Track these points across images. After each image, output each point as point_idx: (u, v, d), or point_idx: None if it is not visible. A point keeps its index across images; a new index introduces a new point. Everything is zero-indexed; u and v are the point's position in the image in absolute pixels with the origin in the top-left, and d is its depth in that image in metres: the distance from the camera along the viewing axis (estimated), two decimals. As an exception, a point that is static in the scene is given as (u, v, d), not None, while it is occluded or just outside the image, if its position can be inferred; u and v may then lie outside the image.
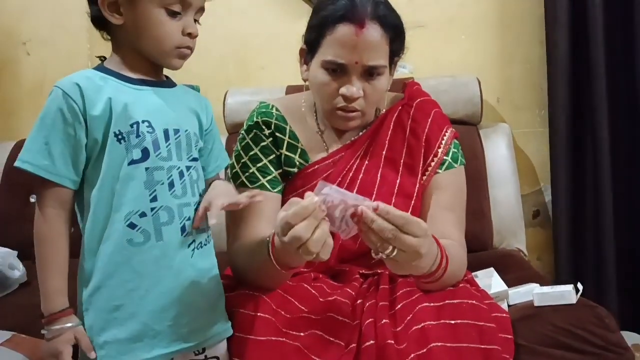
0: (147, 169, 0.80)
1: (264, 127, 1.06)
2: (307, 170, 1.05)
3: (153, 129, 0.81)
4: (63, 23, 1.83)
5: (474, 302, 0.87)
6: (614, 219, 1.54)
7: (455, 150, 1.08)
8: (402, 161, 1.04)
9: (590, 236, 1.58)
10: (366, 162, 1.03)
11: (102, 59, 0.87)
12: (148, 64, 0.85)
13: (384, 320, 0.85)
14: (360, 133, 1.07)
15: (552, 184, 1.60)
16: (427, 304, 0.87)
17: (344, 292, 0.93)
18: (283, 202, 1.04)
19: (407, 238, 0.76)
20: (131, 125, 0.80)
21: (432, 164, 1.04)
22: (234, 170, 1.06)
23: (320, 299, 0.91)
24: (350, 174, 1.02)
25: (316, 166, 1.05)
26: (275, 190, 1.04)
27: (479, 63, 1.70)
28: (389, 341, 0.81)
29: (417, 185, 1.03)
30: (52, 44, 1.85)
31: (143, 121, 0.81)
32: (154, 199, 0.80)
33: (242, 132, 1.08)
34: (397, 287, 0.95)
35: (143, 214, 0.80)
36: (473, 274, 1.06)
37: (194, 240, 0.84)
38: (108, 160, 0.79)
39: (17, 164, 0.78)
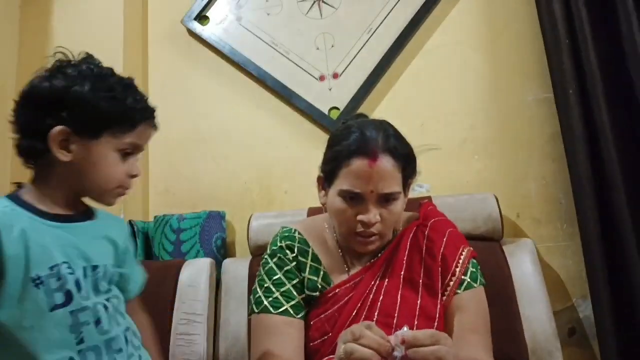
0: (71, 312, 0.76)
1: (287, 251, 1.09)
2: (328, 294, 1.06)
3: (73, 269, 0.78)
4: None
5: None
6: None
7: (474, 270, 1.07)
8: (420, 281, 1.04)
9: (637, 353, 1.48)
10: (385, 283, 1.04)
11: (20, 186, 0.83)
12: (72, 199, 0.84)
13: None
14: (379, 254, 1.08)
15: (593, 300, 1.54)
16: None
17: None
18: (305, 328, 1.04)
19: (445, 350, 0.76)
20: (51, 269, 0.75)
21: (451, 283, 1.04)
22: (256, 296, 1.06)
23: None
24: (371, 296, 1.03)
25: (337, 290, 1.06)
26: (299, 316, 1.04)
27: (495, 181, 1.75)
28: None
29: (439, 306, 1.02)
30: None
31: (63, 262, 0.77)
32: (81, 342, 0.77)
33: (266, 256, 1.11)
34: None
35: (71, 359, 0.76)
36: None
37: None
38: (24, 306, 0.73)
39: None
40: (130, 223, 1.78)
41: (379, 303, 1.02)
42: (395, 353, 0.76)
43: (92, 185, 0.83)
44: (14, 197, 0.80)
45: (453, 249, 1.06)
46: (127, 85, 0.85)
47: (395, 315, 1.00)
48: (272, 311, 1.02)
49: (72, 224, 0.82)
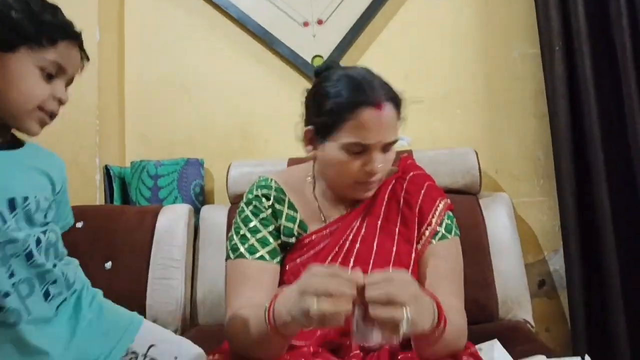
0: None
1: (263, 199, 1.09)
2: (304, 240, 1.06)
3: None
4: None
5: None
6: (621, 287, 1.52)
7: (450, 222, 1.08)
8: (397, 230, 1.05)
9: (603, 305, 1.55)
10: (362, 231, 1.05)
11: None
12: None
13: None
14: (357, 205, 1.08)
15: (565, 253, 1.59)
16: None
17: None
18: (281, 273, 1.05)
19: (408, 283, 0.76)
20: None
21: (427, 233, 1.05)
22: (232, 242, 1.06)
23: None
24: (347, 244, 1.04)
25: (313, 236, 1.06)
26: (275, 262, 1.04)
27: (476, 136, 1.75)
28: None
29: (413, 254, 1.04)
30: None
31: None
32: (12, 275, 0.74)
33: (242, 204, 1.11)
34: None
35: (7, 294, 0.73)
36: (477, 346, 1.03)
37: (64, 300, 0.81)
38: None
39: None
40: (106, 168, 1.75)
41: (355, 250, 1.03)
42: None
43: (10, 103, 0.76)
44: None
45: (430, 201, 1.07)
46: (49, 4, 0.81)
47: (371, 261, 1.01)
48: (248, 257, 1.03)
49: None
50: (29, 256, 0.76)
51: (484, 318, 1.40)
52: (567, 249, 1.59)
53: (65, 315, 0.81)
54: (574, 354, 1.09)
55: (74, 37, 0.82)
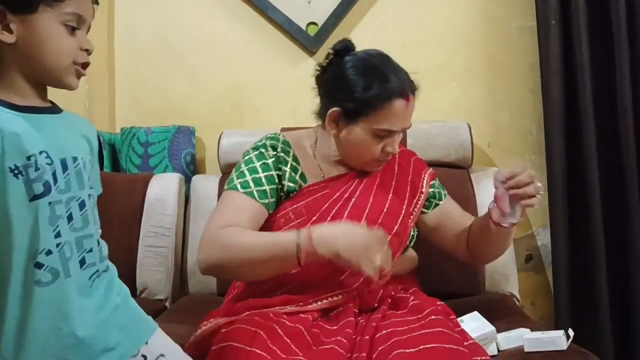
0: (49, 203, 0.75)
1: (270, 149, 1.16)
2: (303, 190, 1.14)
3: (51, 160, 0.76)
4: None
5: (452, 346, 0.87)
6: (606, 264, 1.54)
7: (439, 190, 1.26)
8: (391, 190, 1.18)
9: (587, 281, 1.57)
10: (360, 188, 1.16)
11: None
12: (35, 89, 0.80)
13: None
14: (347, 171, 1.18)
15: (552, 228, 1.61)
16: (402, 350, 0.87)
17: (338, 341, 0.94)
18: (274, 220, 1.11)
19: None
20: (28, 158, 0.74)
21: (420, 200, 1.21)
22: (229, 178, 1.13)
23: (314, 347, 0.92)
24: (346, 195, 1.13)
25: (312, 187, 1.15)
26: (262, 202, 1.10)
27: (470, 109, 1.74)
28: None
29: (404, 209, 1.17)
30: None
31: (40, 152, 0.75)
32: (58, 235, 0.75)
33: (249, 149, 1.18)
34: (380, 329, 0.95)
35: (49, 252, 0.74)
36: (458, 319, 1.05)
37: (96, 271, 0.81)
38: (6, 198, 0.72)
39: None
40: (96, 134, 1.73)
41: (352, 200, 1.13)
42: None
43: (46, 63, 0.78)
44: None
45: (417, 174, 1.24)
46: None
47: (366, 210, 1.11)
48: (239, 189, 1.09)
49: (43, 115, 0.80)
50: (69, 219, 0.77)
51: (470, 291, 1.42)
52: (554, 225, 1.61)
53: (97, 291, 0.81)
54: (556, 328, 1.11)
55: None
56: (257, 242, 1.00)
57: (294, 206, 1.12)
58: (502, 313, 1.23)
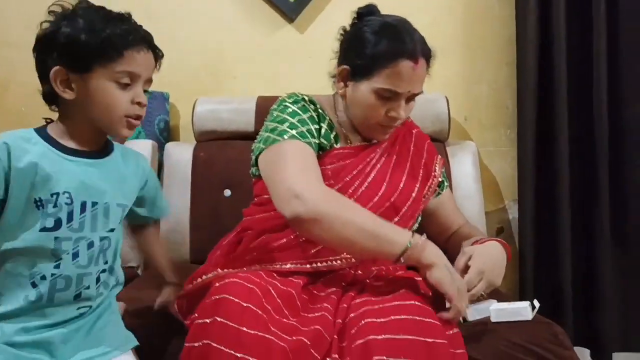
0: (56, 238, 0.84)
1: (310, 103, 1.13)
2: (333, 151, 1.12)
3: (72, 200, 0.85)
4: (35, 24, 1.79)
5: (422, 319, 0.88)
6: (571, 239, 1.58)
7: (444, 180, 1.28)
8: (406, 171, 1.18)
9: (551, 254, 1.61)
10: (380, 163, 1.15)
11: (48, 121, 0.90)
12: (92, 134, 0.90)
13: (335, 336, 0.88)
14: (375, 140, 1.17)
15: (519, 201, 1.64)
16: (372, 319, 0.88)
17: (325, 308, 0.95)
18: None
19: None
20: (52, 195, 0.83)
21: (432, 186, 1.22)
22: (275, 130, 1.06)
23: (302, 313, 0.93)
24: (367, 169, 1.13)
25: (341, 150, 1.13)
26: (313, 147, 1.06)
27: (448, 82, 1.73)
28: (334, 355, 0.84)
29: (415, 192, 1.16)
30: (22, 45, 1.81)
31: (64, 192, 0.84)
32: (57, 267, 0.84)
33: (282, 104, 1.12)
34: (355, 299, 0.97)
35: (43, 277, 0.84)
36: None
37: (90, 305, 0.89)
38: (21, 222, 0.83)
39: None
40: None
41: (371, 175, 1.12)
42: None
43: (99, 116, 0.87)
44: (39, 130, 0.88)
45: (431, 158, 1.25)
46: (110, 16, 0.89)
47: (383, 186, 1.12)
48: (300, 139, 1.04)
49: (88, 159, 0.88)
50: (75, 255, 0.86)
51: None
52: (522, 198, 1.63)
53: (86, 323, 0.89)
54: (520, 299, 1.14)
55: (139, 42, 0.88)
56: (371, 219, 0.97)
57: (323, 167, 1.08)
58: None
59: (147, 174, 1.02)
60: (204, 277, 1.00)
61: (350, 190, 1.08)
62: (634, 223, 1.61)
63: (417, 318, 0.88)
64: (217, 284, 0.90)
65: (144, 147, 1.58)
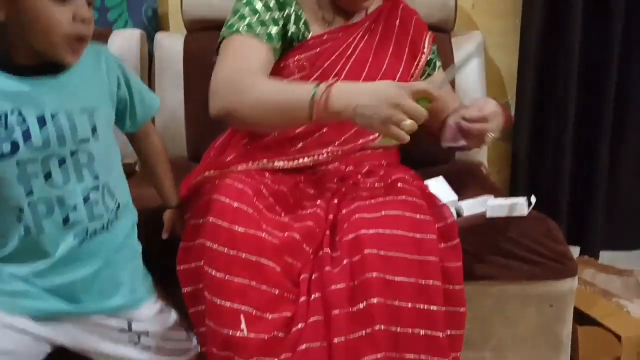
0: (17, 162, 0.76)
1: None
2: (308, 41, 1.08)
3: (24, 118, 0.75)
4: None
5: (413, 214, 0.88)
6: (572, 139, 1.55)
7: (435, 59, 1.23)
8: (390, 49, 1.13)
9: (547, 154, 1.59)
10: (361, 44, 1.11)
11: None
12: (35, 60, 0.77)
13: (327, 232, 0.90)
14: (357, 19, 1.13)
15: (517, 96, 1.58)
16: (364, 214, 0.89)
17: (318, 204, 0.95)
18: (276, 70, 1.06)
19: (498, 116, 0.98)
20: None
21: (422, 60, 1.17)
22: (227, 23, 1.05)
23: (296, 210, 0.94)
24: (348, 51, 1.09)
25: (317, 39, 1.09)
26: (269, 45, 1.03)
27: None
28: (327, 268, 0.85)
29: (399, 75, 1.12)
30: None
31: (12, 111, 0.75)
32: (30, 193, 0.77)
33: None
34: (347, 194, 0.97)
35: (21, 210, 0.77)
36: (425, 182, 1.08)
37: (86, 229, 0.82)
38: None
39: None
40: None
41: (352, 58, 1.08)
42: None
43: (38, 41, 0.74)
44: None
45: (419, 34, 1.19)
46: None
47: (366, 67, 1.08)
48: (242, 32, 1.02)
49: (32, 77, 0.77)
50: (47, 176, 0.77)
51: (440, 159, 1.44)
52: (520, 92, 1.57)
53: (92, 251, 0.84)
54: (512, 194, 1.15)
55: None
56: (273, 89, 0.94)
57: (297, 57, 1.06)
58: (468, 180, 1.26)
59: (117, 70, 0.89)
60: (198, 178, 0.99)
61: (332, 76, 1.04)
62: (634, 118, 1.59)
63: (408, 214, 0.88)
64: (209, 185, 0.90)
65: (132, 35, 1.50)
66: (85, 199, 0.81)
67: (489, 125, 0.96)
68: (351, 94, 0.85)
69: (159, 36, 1.55)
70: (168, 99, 1.49)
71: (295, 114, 0.89)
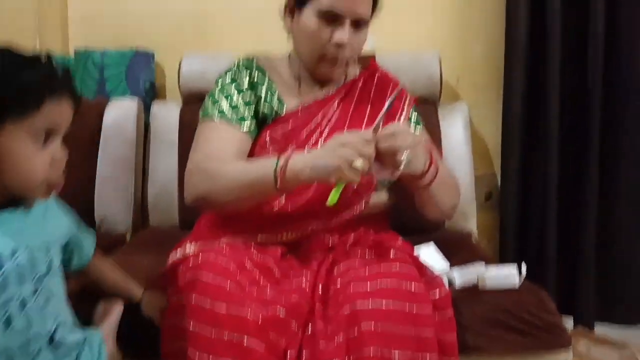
0: None
1: (244, 69, 1.13)
2: (281, 117, 1.11)
3: None
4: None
5: (410, 287, 0.88)
6: (557, 207, 1.57)
7: (417, 122, 1.22)
8: (366, 117, 1.13)
9: (535, 221, 1.61)
10: (336, 114, 1.13)
11: None
12: (3, 198, 0.73)
13: (317, 304, 0.90)
14: (331, 92, 1.15)
15: (502, 167, 1.62)
16: (359, 286, 0.88)
17: (304, 274, 0.95)
18: (253, 148, 1.09)
19: (407, 134, 0.92)
20: None
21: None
22: (204, 105, 1.11)
23: (281, 281, 0.94)
24: (324, 122, 1.11)
25: (290, 115, 1.12)
26: (242, 129, 1.08)
27: (441, 40, 1.69)
28: (322, 342, 0.84)
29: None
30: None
31: None
32: None
33: (221, 74, 1.15)
34: (341, 266, 0.97)
35: None
36: (415, 246, 1.09)
37: None
38: None
39: None
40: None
41: (326, 130, 1.10)
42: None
43: (13, 183, 0.70)
44: None
45: (398, 97, 1.14)
46: (26, 60, 0.70)
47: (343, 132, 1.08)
48: (215, 119, 1.07)
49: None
50: (7, 323, 0.69)
51: (429, 227, 1.44)
52: (505, 160, 1.61)
53: None
54: (500, 262, 1.15)
55: (61, 90, 0.71)
56: (241, 169, 0.99)
57: (271, 133, 1.09)
58: (458, 248, 1.27)
59: (70, 230, 0.85)
60: (178, 250, 0.99)
61: (306, 148, 1.05)
62: (622, 190, 1.60)
63: (404, 286, 0.88)
64: (193, 259, 0.90)
65: (129, 105, 1.54)
66: (51, 340, 0.74)
67: (396, 141, 0.90)
68: (307, 156, 0.92)
69: (156, 106, 1.60)
70: (162, 168, 1.52)
71: (263, 188, 0.94)
